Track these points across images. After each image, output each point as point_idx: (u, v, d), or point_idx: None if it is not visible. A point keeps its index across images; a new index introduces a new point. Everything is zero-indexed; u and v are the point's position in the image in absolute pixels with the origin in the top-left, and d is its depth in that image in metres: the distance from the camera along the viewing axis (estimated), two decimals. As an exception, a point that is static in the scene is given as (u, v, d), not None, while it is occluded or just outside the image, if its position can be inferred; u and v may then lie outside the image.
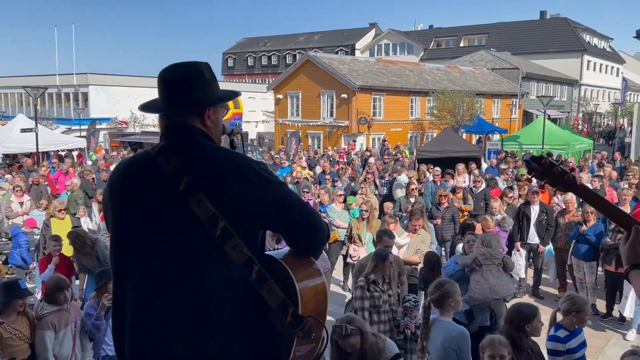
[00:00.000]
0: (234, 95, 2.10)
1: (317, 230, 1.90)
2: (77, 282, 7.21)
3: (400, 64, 36.20)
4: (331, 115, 29.76)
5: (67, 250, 7.16)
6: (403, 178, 12.28)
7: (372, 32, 62.96)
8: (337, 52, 52.13)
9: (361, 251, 8.06)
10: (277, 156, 18.52)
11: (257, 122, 42.50)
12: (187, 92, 1.90)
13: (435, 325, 4.45)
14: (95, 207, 10.76)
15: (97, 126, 28.29)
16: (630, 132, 35.59)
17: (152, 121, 32.45)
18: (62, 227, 8.06)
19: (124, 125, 33.28)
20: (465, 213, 10.44)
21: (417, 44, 57.13)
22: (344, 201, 10.03)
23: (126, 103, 34.13)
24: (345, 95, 28.49)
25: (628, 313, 7.65)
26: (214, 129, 1.98)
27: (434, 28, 63.13)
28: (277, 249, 2.11)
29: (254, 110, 41.77)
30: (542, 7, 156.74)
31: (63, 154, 21.10)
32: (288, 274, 1.80)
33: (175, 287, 1.76)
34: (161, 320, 1.75)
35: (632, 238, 1.87)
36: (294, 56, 61.54)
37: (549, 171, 1.97)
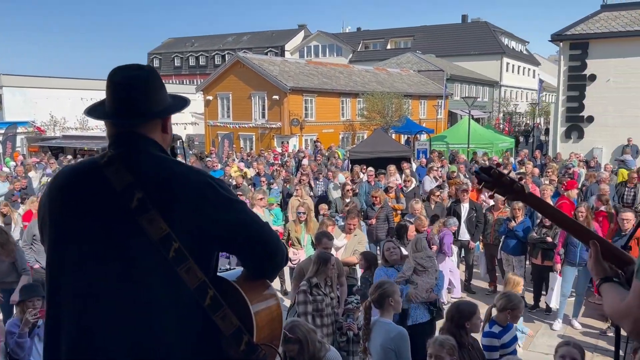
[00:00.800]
0: (185, 101, 1.94)
1: (276, 253, 1.80)
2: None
3: (330, 65, 36.52)
4: (263, 116, 29.57)
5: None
6: (340, 179, 12.38)
7: (301, 34, 63.17)
8: (266, 53, 51.86)
9: (301, 254, 8.01)
10: (209, 159, 18.15)
11: (185, 124, 41.47)
12: (150, 99, 1.76)
13: (375, 326, 4.48)
14: (-1, 219, 10.07)
15: (15, 130, 26.59)
16: (546, 130, 37.74)
17: (74, 124, 30.95)
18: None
19: (41, 134, 31.38)
20: (399, 212, 10.63)
21: (346, 45, 57.87)
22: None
23: (45, 105, 32.29)
24: (276, 97, 28.39)
25: (554, 304, 8.06)
26: (169, 137, 1.86)
27: (361, 30, 64.13)
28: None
29: (183, 112, 40.66)
30: (464, 11, 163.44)
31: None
32: (243, 299, 1.70)
33: (118, 311, 1.63)
34: (103, 336, 1.62)
35: (593, 253, 1.91)
36: (223, 57, 60.76)
37: (498, 181, 2.00)
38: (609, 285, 1.80)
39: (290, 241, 8.36)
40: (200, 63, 66.41)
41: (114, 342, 1.62)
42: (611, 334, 7.49)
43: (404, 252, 6.56)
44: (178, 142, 2.17)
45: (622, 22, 21.22)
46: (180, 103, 1.89)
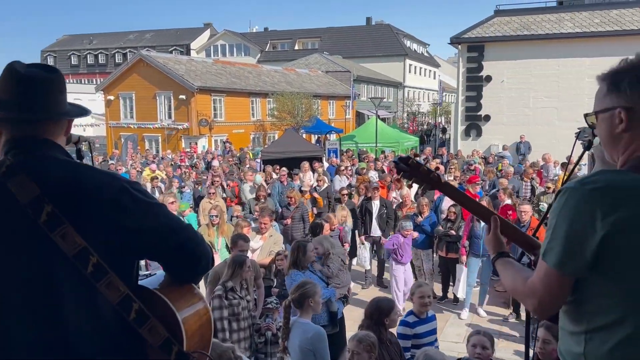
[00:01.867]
0: (86, 110, 1.79)
1: (201, 257, 1.70)
2: None
3: (239, 65, 36.15)
4: (169, 117, 28.66)
5: None
6: (257, 180, 12.31)
7: (207, 33, 61.98)
8: (171, 52, 50.41)
9: (215, 258, 7.80)
10: (111, 162, 17.32)
11: (85, 125, 39.32)
12: (57, 99, 1.61)
13: (294, 326, 4.47)
14: None
15: None
16: (443, 129, 39.67)
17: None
18: None
19: None
20: (315, 212, 10.70)
21: (254, 45, 57.51)
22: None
23: None
24: (183, 97, 27.63)
25: (461, 294, 8.45)
26: (67, 140, 1.72)
27: (269, 30, 63.99)
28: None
29: (82, 113, 38.48)
30: (368, 14, 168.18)
31: None
32: (169, 307, 1.60)
33: (34, 334, 1.47)
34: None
35: (492, 227, 2.00)
36: (125, 55, 58.34)
37: (416, 171, 2.04)
38: (505, 260, 1.88)
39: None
40: (100, 62, 63.35)
41: None
42: (513, 320, 7.98)
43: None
44: (84, 144, 2.02)
45: (514, 26, 22.72)
46: (81, 109, 1.74)
